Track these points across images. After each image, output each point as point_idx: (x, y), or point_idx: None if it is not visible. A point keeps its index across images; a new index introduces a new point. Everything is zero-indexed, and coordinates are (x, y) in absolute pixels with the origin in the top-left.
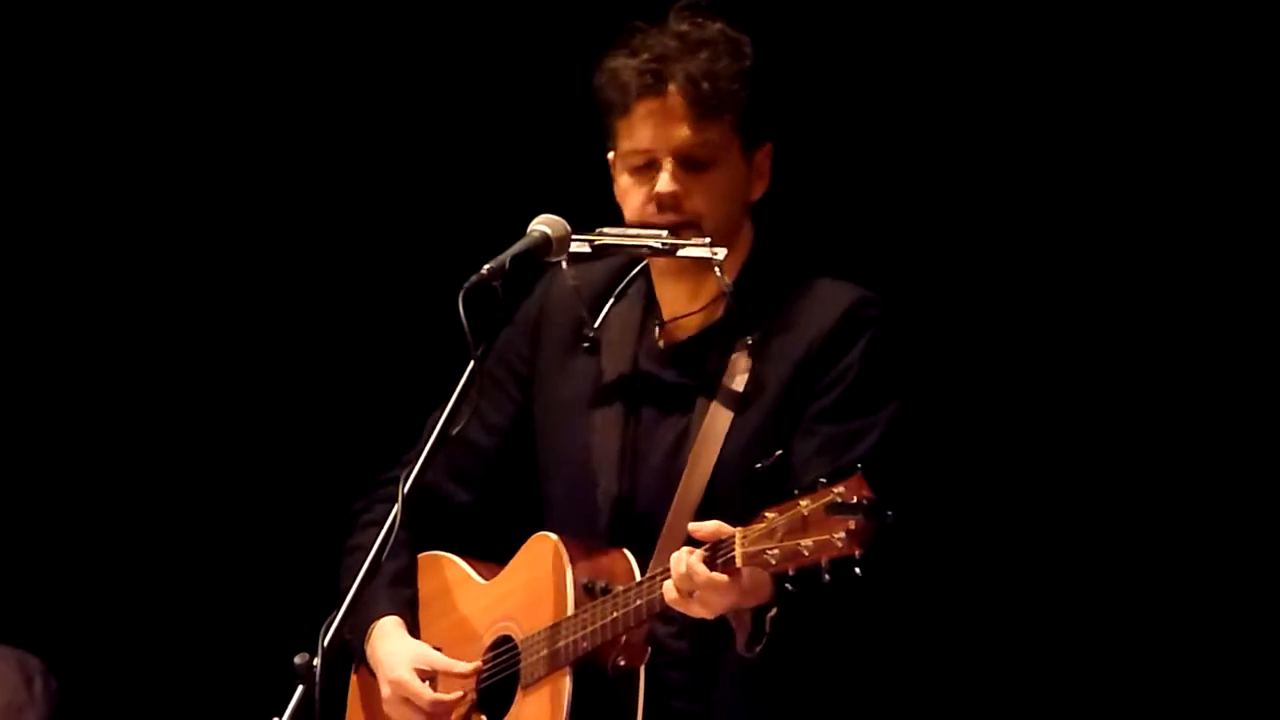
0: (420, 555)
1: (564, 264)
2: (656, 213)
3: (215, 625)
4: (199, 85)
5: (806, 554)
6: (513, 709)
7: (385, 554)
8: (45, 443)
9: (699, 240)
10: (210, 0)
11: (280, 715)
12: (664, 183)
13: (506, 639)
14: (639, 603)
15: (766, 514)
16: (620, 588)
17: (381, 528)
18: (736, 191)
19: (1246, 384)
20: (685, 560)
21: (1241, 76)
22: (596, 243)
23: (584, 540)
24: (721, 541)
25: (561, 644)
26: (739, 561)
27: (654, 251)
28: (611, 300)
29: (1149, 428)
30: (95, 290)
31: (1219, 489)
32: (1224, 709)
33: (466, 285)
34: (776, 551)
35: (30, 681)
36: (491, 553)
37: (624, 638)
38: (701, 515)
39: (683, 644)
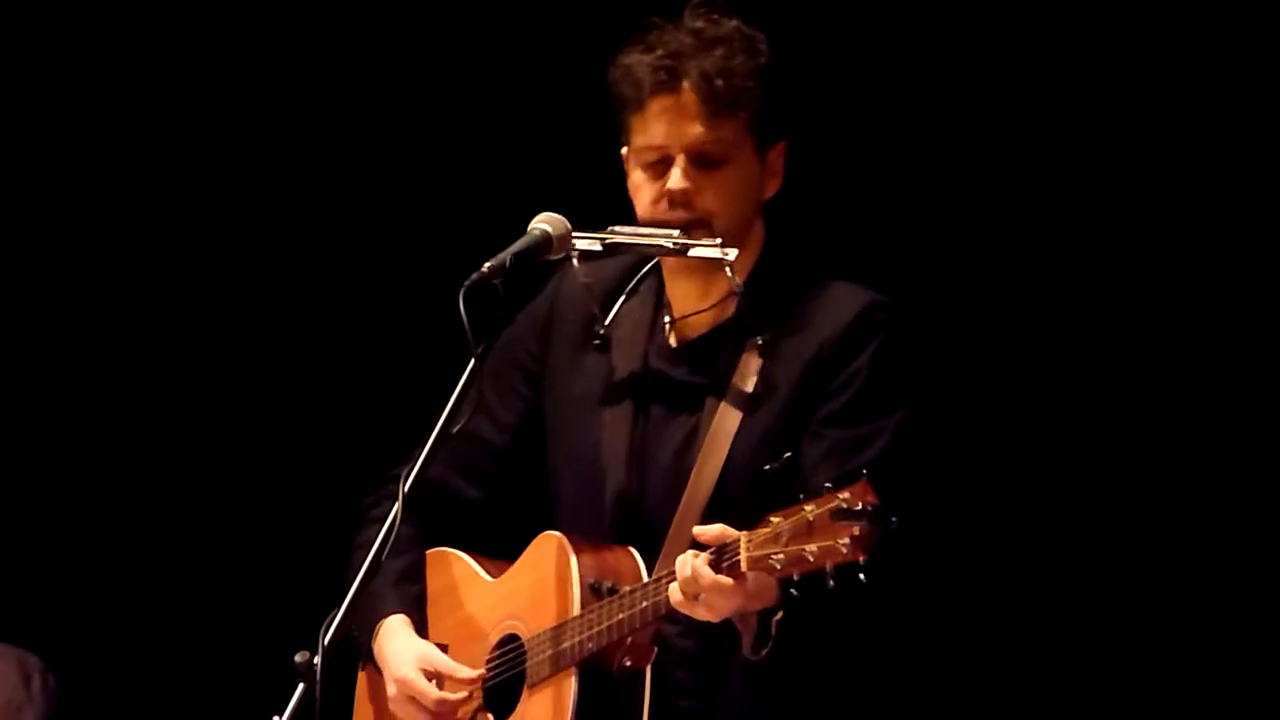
0: (429, 551)
1: (575, 262)
2: (668, 209)
3: (215, 623)
4: (199, 85)
5: (811, 559)
6: (518, 708)
7: (390, 551)
8: (45, 442)
9: (710, 241)
10: (210, 0)
11: (281, 714)
12: (676, 179)
13: (513, 637)
14: (644, 604)
15: (771, 518)
16: (627, 588)
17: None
18: (749, 190)
19: (1260, 399)
20: (690, 563)
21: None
22: (608, 241)
23: (591, 539)
24: (726, 545)
25: (567, 644)
26: (744, 566)
27: (665, 251)
28: (623, 298)
29: (1152, 429)
30: (95, 290)
31: (1226, 501)
32: (1224, 709)
33: (467, 283)
34: (781, 556)
35: (29, 680)
36: (501, 549)
37: (630, 638)
38: (709, 515)
39: (689, 643)
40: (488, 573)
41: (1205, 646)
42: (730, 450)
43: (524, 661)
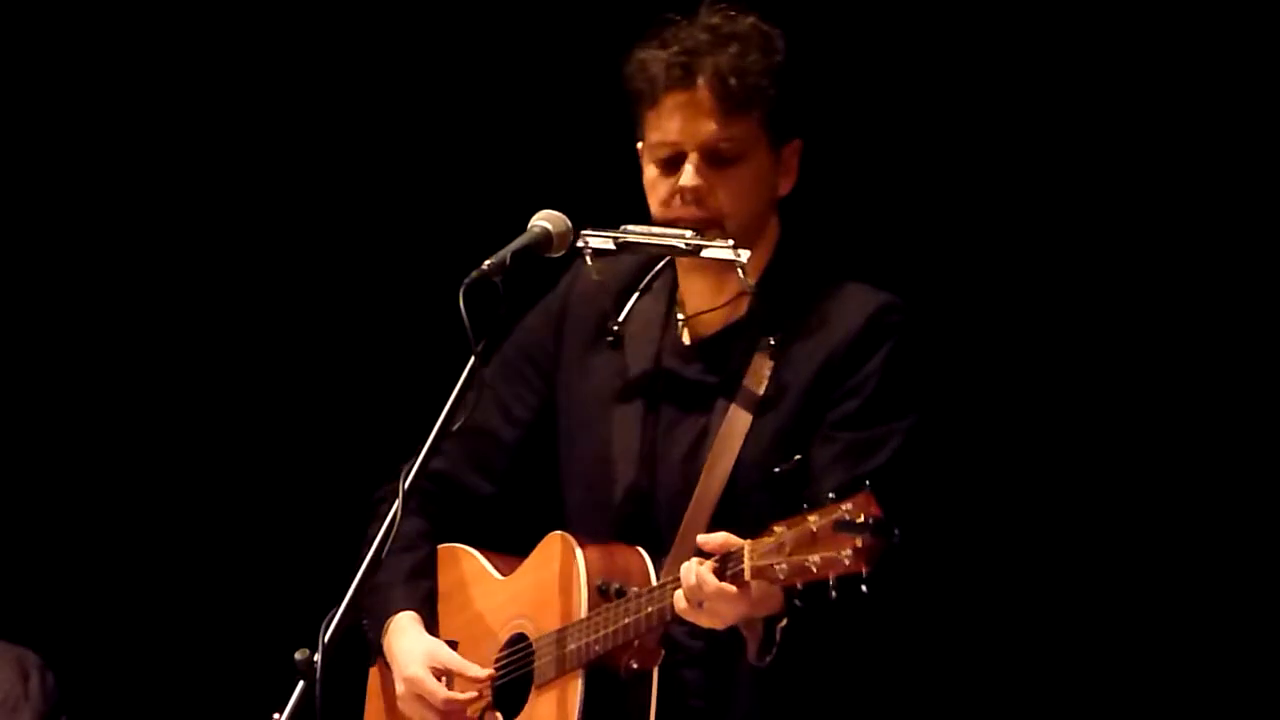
0: (440, 547)
1: (588, 259)
2: (681, 206)
3: (215, 621)
4: (199, 85)
5: (814, 570)
6: (525, 709)
7: (401, 547)
8: (45, 440)
9: (723, 242)
10: (210, 0)
11: (281, 712)
12: (688, 176)
13: (521, 637)
14: (650, 609)
15: (775, 528)
16: (634, 589)
17: (411, 514)
18: (762, 187)
19: (1271, 404)
20: (695, 571)
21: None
22: (620, 240)
23: (600, 538)
24: (731, 553)
25: (573, 646)
26: (747, 575)
27: (678, 252)
28: (636, 294)
29: (1156, 433)
30: (95, 290)
31: (1233, 510)
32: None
33: (467, 281)
34: (784, 566)
35: (27, 677)
36: (514, 543)
37: (636, 641)
38: (719, 516)
39: (698, 643)
40: (498, 570)
41: (1206, 654)
42: (740, 452)
43: (532, 662)
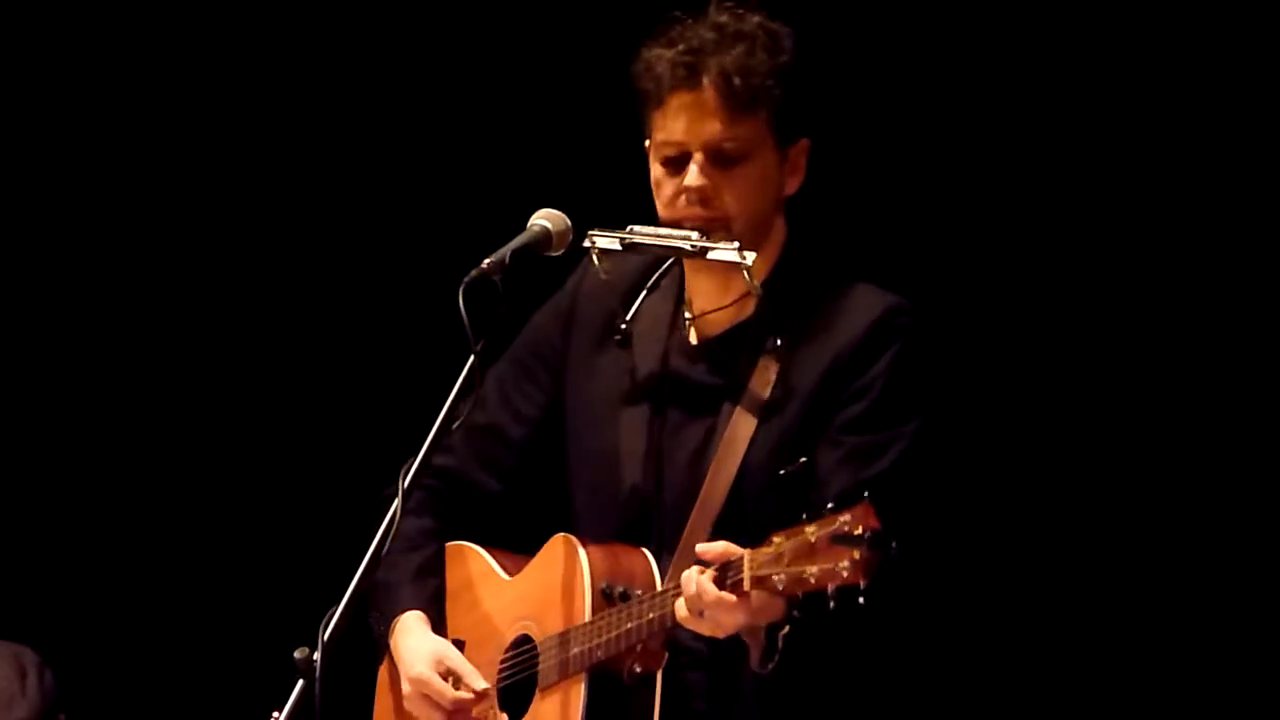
0: (448, 545)
1: (595, 259)
2: (686, 206)
3: (215, 619)
4: (199, 85)
5: (812, 581)
6: (530, 711)
7: (409, 545)
8: (45, 438)
9: (728, 244)
10: (210, 0)
11: (280, 710)
12: (693, 177)
13: (527, 638)
14: (651, 616)
15: (774, 538)
16: (638, 592)
17: (412, 515)
18: (768, 187)
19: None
20: (695, 580)
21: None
22: (627, 241)
23: (604, 540)
24: (730, 563)
25: (576, 650)
26: (746, 584)
27: (683, 253)
28: (644, 293)
29: (1163, 430)
30: (95, 290)
31: (1236, 515)
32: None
33: (467, 279)
34: (783, 577)
35: (24, 675)
36: (522, 541)
37: (639, 645)
38: (724, 519)
39: (702, 645)
40: (504, 570)
41: (1208, 660)
42: (745, 455)
43: (536, 664)
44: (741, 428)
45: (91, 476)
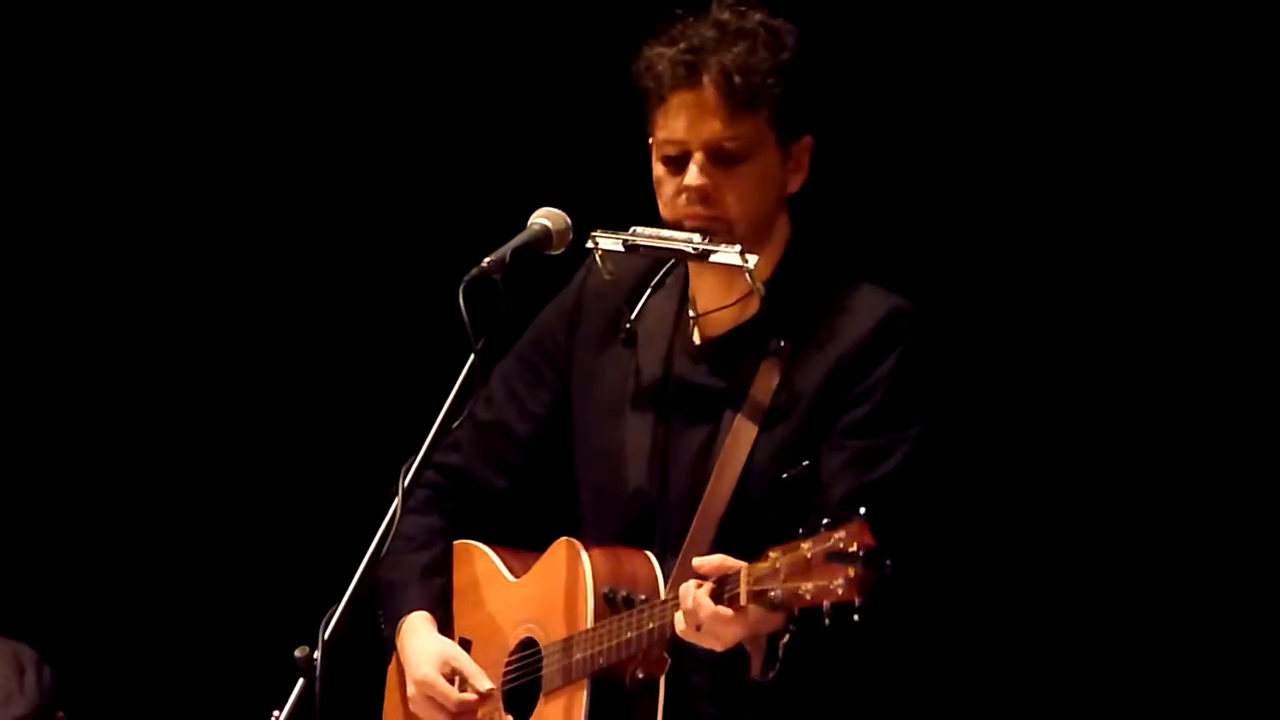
0: (455, 543)
1: (599, 260)
2: (686, 205)
3: (215, 617)
4: (199, 85)
5: (808, 597)
6: (534, 715)
7: (416, 544)
8: (46, 436)
9: (731, 247)
10: (210, 0)
11: (281, 709)
12: (692, 176)
13: (531, 642)
14: (651, 626)
15: (770, 553)
16: (641, 597)
17: (418, 514)
18: (770, 185)
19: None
20: (692, 594)
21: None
22: (629, 243)
23: (609, 540)
24: (727, 576)
25: (578, 656)
26: (743, 599)
27: (686, 256)
28: (649, 291)
29: (1166, 434)
30: (95, 290)
31: (1244, 523)
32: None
33: (467, 278)
34: (779, 593)
35: (22, 672)
36: (530, 538)
37: (641, 653)
38: (728, 522)
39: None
40: (510, 570)
41: (1209, 663)
42: (748, 459)
43: (540, 668)
44: (744, 432)
45: (91, 476)
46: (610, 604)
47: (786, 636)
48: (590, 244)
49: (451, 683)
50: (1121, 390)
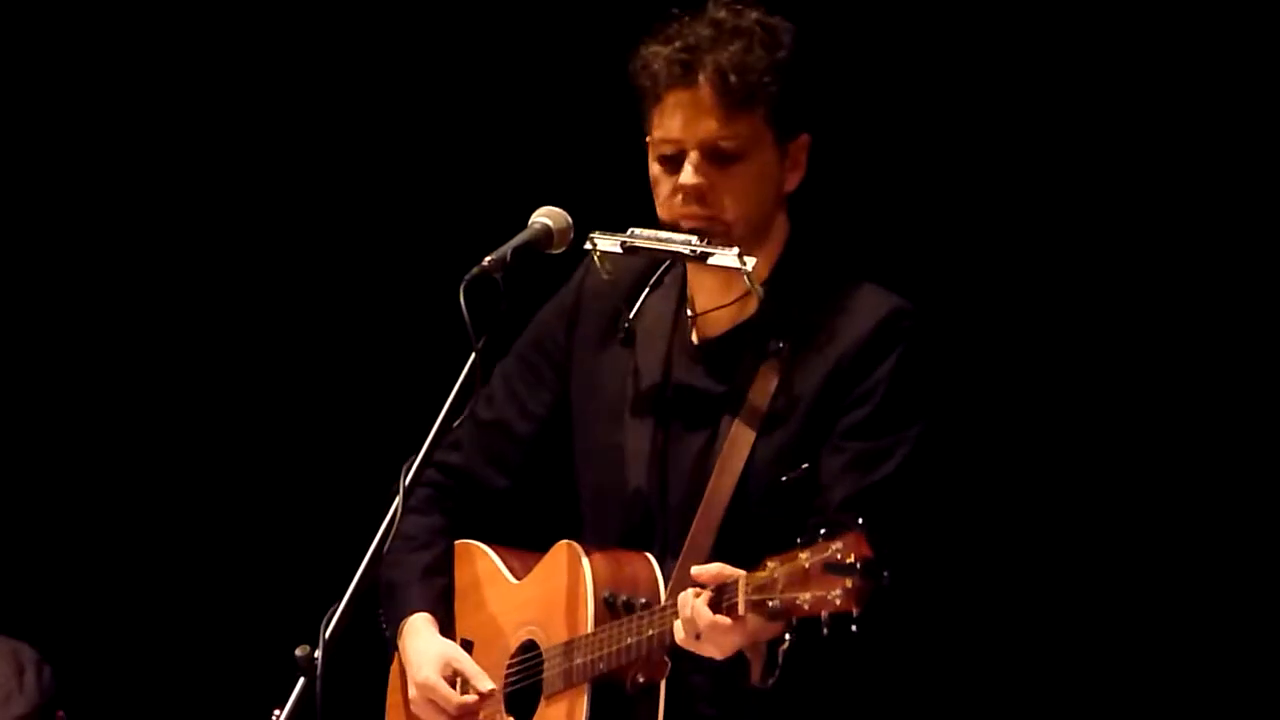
0: (456, 543)
1: (597, 260)
2: (682, 204)
3: (216, 617)
4: (199, 85)
5: (806, 608)
6: (535, 717)
7: (418, 544)
8: (46, 435)
9: (729, 249)
10: (210, 0)
11: (281, 708)
12: (688, 175)
13: (532, 644)
14: (651, 633)
15: (769, 563)
16: (641, 600)
17: (419, 513)
18: (766, 184)
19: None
20: (691, 604)
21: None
22: (627, 244)
23: (609, 541)
24: (725, 585)
25: (579, 661)
26: (741, 609)
27: (684, 258)
28: (647, 290)
29: (1164, 433)
30: (95, 290)
31: (1245, 525)
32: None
33: (468, 277)
34: (777, 602)
35: (21, 671)
36: (531, 537)
37: (641, 658)
38: (728, 524)
39: None
40: (511, 571)
41: (1208, 667)
42: (747, 462)
43: (541, 671)
44: (743, 435)
45: (91, 475)
46: (610, 608)
47: (786, 643)
48: (588, 245)
49: (453, 684)
50: (1120, 390)
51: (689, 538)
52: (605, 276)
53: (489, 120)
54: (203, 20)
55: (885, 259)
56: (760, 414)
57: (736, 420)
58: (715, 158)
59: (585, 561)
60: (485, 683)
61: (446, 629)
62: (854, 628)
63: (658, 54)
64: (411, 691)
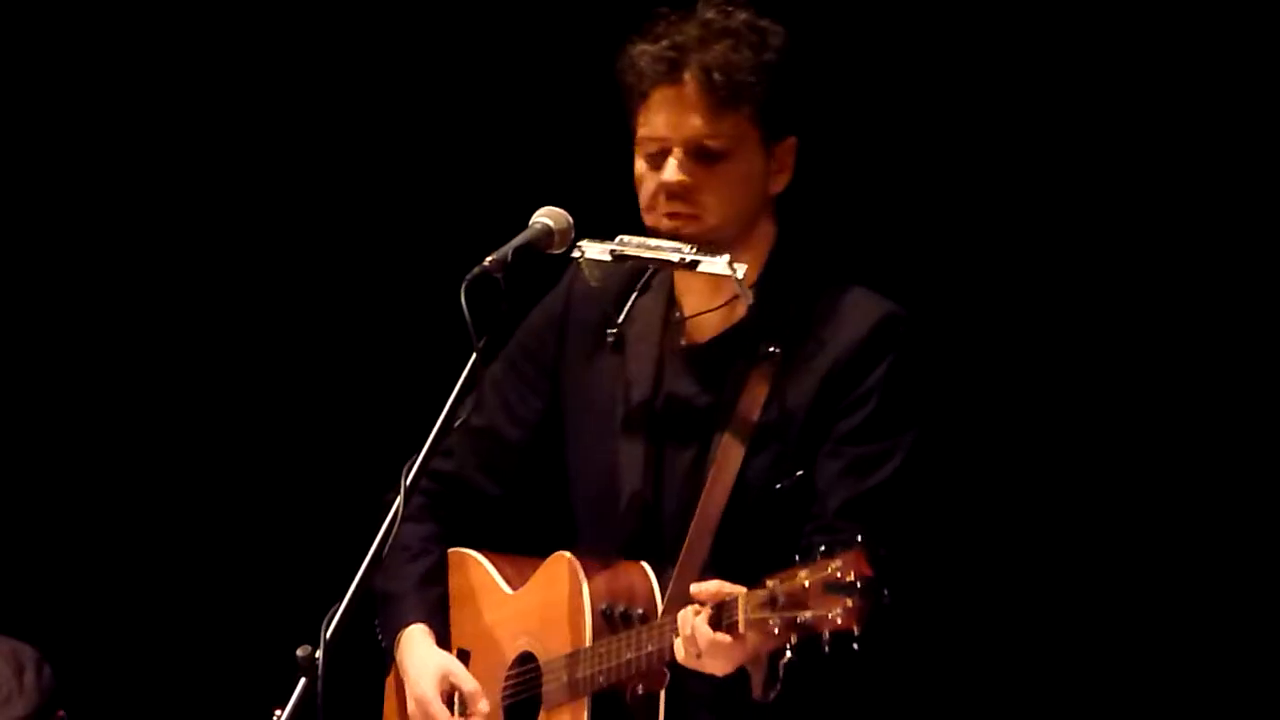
0: (450, 552)
1: (585, 270)
2: (665, 202)
3: (217, 616)
4: (199, 85)
5: (807, 627)
6: None
7: (413, 553)
8: (47, 434)
9: (719, 257)
10: (210, 0)
11: (282, 708)
12: (670, 171)
13: (530, 656)
14: (650, 649)
15: (768, 581)
16: (639, 611)
17: (413, 521)
18: (750, 185)
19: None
20: (690, 622)
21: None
22: (616, 253)
23: (603, 556)
24: (724, 603)
25: (579, 675)
26: (741, 627)
27: (673, 266)
28: (635, 294)
29: (1155, 436)
30: (95, 290)
31: (1239, 531)
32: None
33: (469, 277)
34: (778, 621)
35: (21, 671)
36: (527, 542)
37: (641, 671)
38: (723, 534)
39: None
40: (506, 580)
41: (1204, 677)
42: (741, 471)
43: (540, 684)
44: (735, 443)
45: (91, 476)
46: (608, 620)
47: (787, 655)
48: (576, 254)
49: (450, 699)
50: (1109, 389)
51: (685, 546)
52: (594, 284)
53: (489, 121)
54: (203, 20)
55: (873, 262)
56: (753, 421)
57: (732, 422)
58: (699, 156)
59: (582, 574)
60: (483, 703)
61: (443, 639)
62: (855, 646)
63: (644, 52)
64: (410, 705)
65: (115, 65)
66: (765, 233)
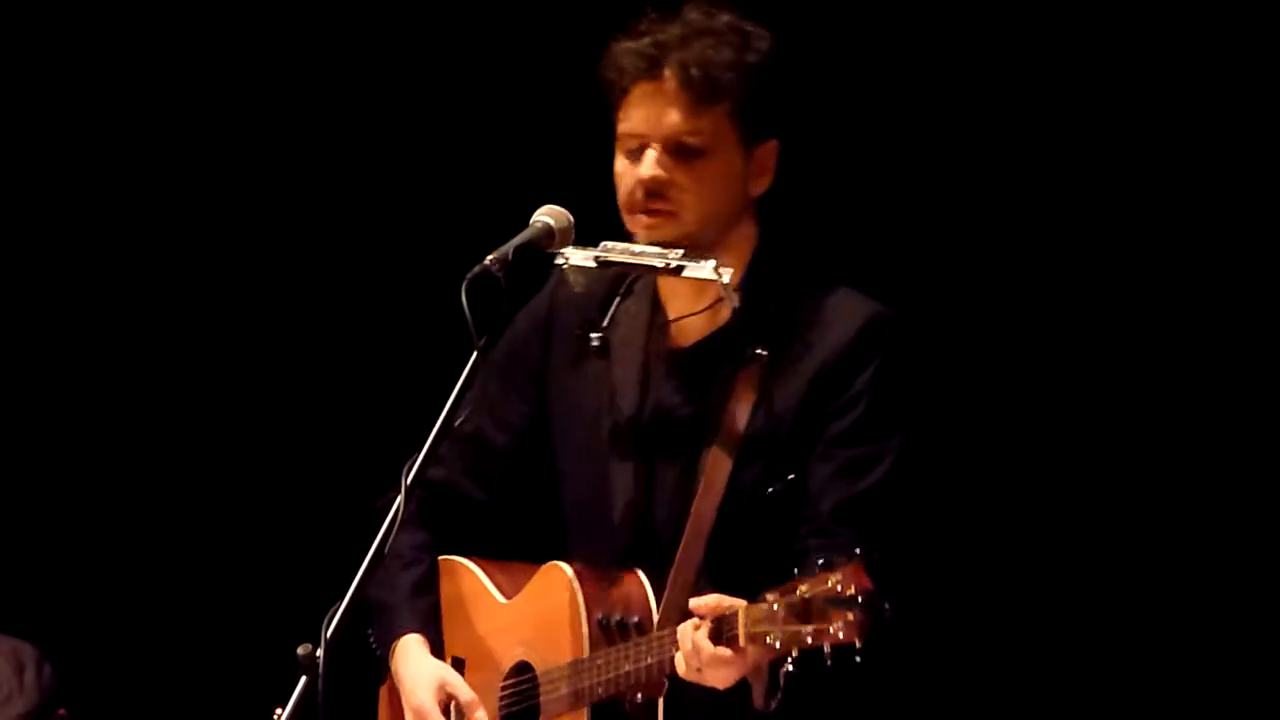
0: (440, 560)
1: (569, 275)
2: (643, 199)
3: (217, 615)
4: (199, 85)
5: (808, 640)
6: None
7: (405, 562)
8: (48, 434)
9: (704, 262)
10: (210, 0)
11: (283, 707)
12: (647, 166)
13: (526, 666)
14: (649, 661)
15: (768, 595)
16: (635, 619)
17: (404, 529)
18: (729, 184)
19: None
20: (690, 637)
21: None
22: (601, 259)
23: (597, 564)
24: (724, 617)
25: (578, 686)
26: (741, 641)
27: (658, 271)
28: (619, 298)
29: (1147, 437)
30: (95, 290)
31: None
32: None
33: (469, 276)
34: (778, 635)
35: (21, 670)
36: (520, 548)
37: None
38: (715, 539)
39: None
40: (499, 588)
41: (1202, 680)
42: (731, 477)
43: (537, 694)
44: (725, 449)
45: (91, 474)
46: (605, 630)
47: (788, 664)
48: (559, 261)
49: (447, 709)
50: (1099, 389)
51: (678, 553)
52: (577, 290)
53: (489, 121)
54: (202, 20)
55: (856, 263)
56: (741, 427)
57: (720, 428)
58: (678, 153)
59: (577, 584)
60: (480, 713)
61: (437, 648)
62: (857, 659)
63: (626, 49)
64: (408, 715)
65: (115, 65)
66: (747, 234)
